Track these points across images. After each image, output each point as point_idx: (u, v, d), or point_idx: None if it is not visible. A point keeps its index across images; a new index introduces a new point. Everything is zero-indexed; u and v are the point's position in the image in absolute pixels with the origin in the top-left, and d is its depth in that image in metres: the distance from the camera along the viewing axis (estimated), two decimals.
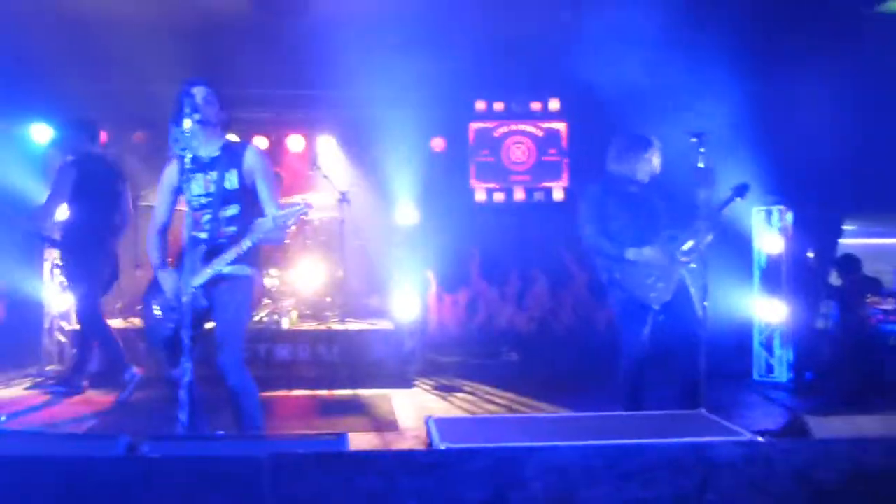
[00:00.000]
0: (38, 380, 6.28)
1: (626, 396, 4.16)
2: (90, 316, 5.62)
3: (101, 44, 6.67)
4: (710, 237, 4.14)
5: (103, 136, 7.42)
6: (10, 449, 2.51)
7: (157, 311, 3.54)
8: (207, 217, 3.51)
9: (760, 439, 2.73)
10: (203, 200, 3.51)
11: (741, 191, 4.21)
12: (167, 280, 3.53)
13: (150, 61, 6.10)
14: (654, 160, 4.33)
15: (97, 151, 5.85)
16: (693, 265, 4.13)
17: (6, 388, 5.99)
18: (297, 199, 3.47)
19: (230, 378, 3.47)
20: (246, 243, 3.38)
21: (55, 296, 6.86)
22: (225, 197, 3.51)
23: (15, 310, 7.68)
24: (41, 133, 6.82)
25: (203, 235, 3.49)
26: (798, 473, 2.39)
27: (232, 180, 3.52)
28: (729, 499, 2.32)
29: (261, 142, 7.77)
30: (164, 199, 3.67)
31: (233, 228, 3.52)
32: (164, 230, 3.71)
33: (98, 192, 5.59)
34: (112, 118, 7.45)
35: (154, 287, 3.62)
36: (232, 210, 3.54)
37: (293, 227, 7.09)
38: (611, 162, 4.39)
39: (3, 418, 2.86)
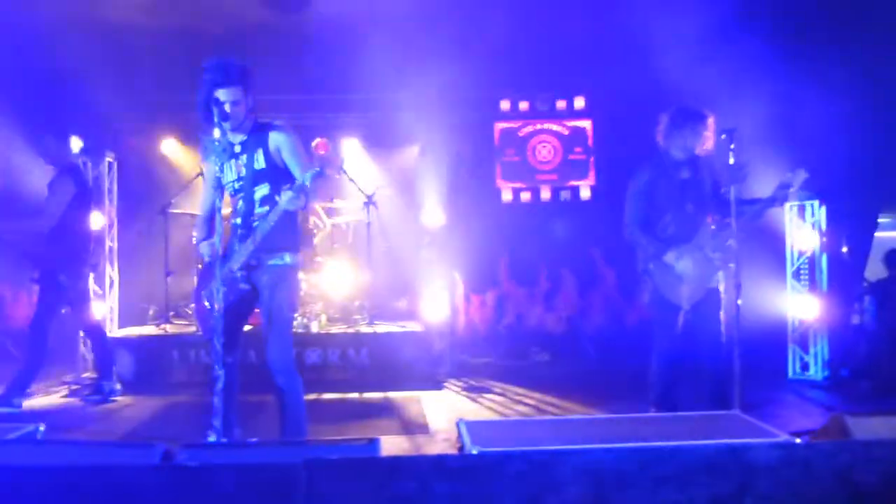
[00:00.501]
0: (75, 387, 6.39)
1: (659, 396, 4.11)
2: (42, 325, 5.56)
3: (129, 52, 6.76)
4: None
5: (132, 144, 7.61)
6: (46, 458, 2.54)
7: (206, 303, 3.58)
8: (240, 202, 3.53)
9: (798, 440, 2.68)
10: (237, 185, 3.55)
11: (784, 193, 4.04)
12: (205, 249, 3.60)
13: (175, 69, 6.17)
14: (707, 139, 4.14)
15: (76, 160, 5.90)
16: (731, 265, 4.02)
17: (44, 395, 6.10)
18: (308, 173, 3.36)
19: (278, 378, 3.49)
20: (276, 211, 3.34)
21: (91, 304, 6.97)
22: (255, 178, 3.51)
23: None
24: (73, 145, 6.92)
25: (238, 220, 3.51)
26: (839, 476, 2.33)
27: (259, 160, 3.52)
28: (768, 503, 2.28)
29: None
30: (207, 187, 3.73)
31: (265, 208, 3.49)
32: (210, 217, 3.71)
33: (86, 200, 5.62)
34: (139, 127, 7.58)
35: (203, 280, 3.66)
36: (263, 190, 3.53)
37: (322, 222, 7.17)
38: (662, 138, 4.20)
39: (42, 427, 2.91)
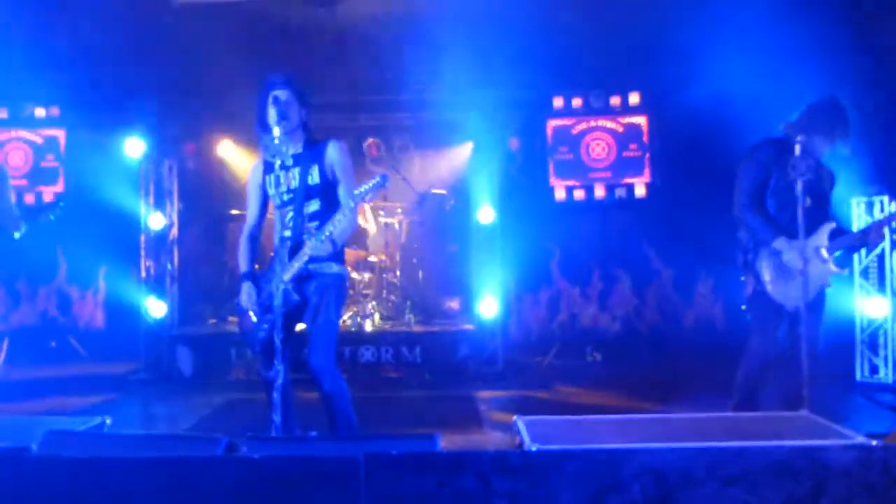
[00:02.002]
0: (138, 383, 6.57)
1: (742, 401, 3.81)
2: None
3: (191, 56, 6.92)
4: (877, 249, 3.78)
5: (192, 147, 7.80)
6: (111, 451, 2.60)
7: (252, 315, 3.62)
8: (291, 215, 3.55)
9: (874, 442, 2.56)
10: (286, 197, 3.56)
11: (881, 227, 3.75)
12: (249, 292, 3.59)
13: (236, 71, 6.28)
14: (834, 150, 3.77)
15: None
16: (845, 271, 3.68)
17: (109, 391, 6.28)
18: (376, 178, 3.40)
19: (324, 383, 3.50)
20: (328, 229, 3.36)
21: (153, 301, 7.17)
22: (307, 192, 3.54)
23: (115, 314, 8.10)
24: (135, 147, 7.14)
25: (287, 233, 3.53)
26: None
27: (314, 175, 3.56)
28: None
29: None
30: (252, 199, 3.75)
31: (315, 224, 3.53)
32: (254, 234, 3.77)
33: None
34: (200, 130, 7.75)
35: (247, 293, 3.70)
36: (314, 206, 3.56)
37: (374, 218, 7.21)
38: (796, 124, 3.79)
39: (109, 420, 2.99)
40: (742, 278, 3.91)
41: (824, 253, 3.74)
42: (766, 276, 3.73)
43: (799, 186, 3.53)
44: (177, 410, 5.52)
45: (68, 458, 2.42)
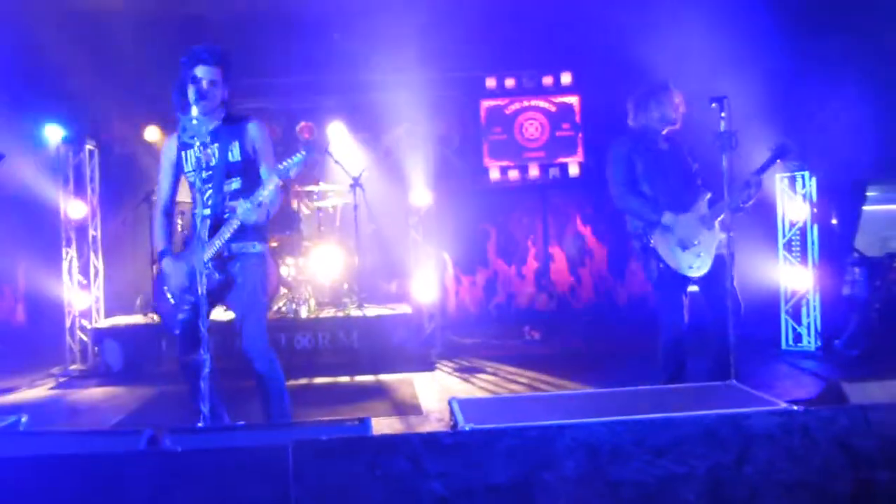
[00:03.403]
0: (62, 379, 6.31)
1: (671, 376, 3.93)
2: None
3: (110, 39, 6.62)
4: (751, 202, 3.94)
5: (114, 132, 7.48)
6: (33, 448, 2.48)
7: (169, 297, 3.49)
8: (210, 191, 3.43)
9: (796, 408, 2.64)
10: (204, 175, 3.40)
11: (782, 151, 3.95)
12: (171, 270, 3.47)
13: (157, 54, 6.04)
14: (678, 105, 4.04)
15: None
16: (733, 233, 3.84)
17: (30, 388, 6.02)
18: (298, 154, 3.34)
19: (258, 364, 3.43)
20: (259, 195, 3.28)
21: (76, 295, 6.89)
22: (228, 170, 3.44)
23: (36, 310, 7.75)
24: (53, 133, 6.81)
25: (207, 212, 3.40)
26: (838, 441, 2.30)
27: (234, 152, 3.45)
28: (767, 470, 2.24)
29: (272, 131, 7.71)
30: (165, 176, 3.60)
31: (236, 202, 3.43)
32: (168, 211, 3.64)
33: None
34: (122, 114, 7.44)
35: (162, 275, 3.57)
36: (234, 184, 3.47)
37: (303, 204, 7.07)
38: (633, 116, 4.11)
39: (24, 418, 2.84)
40: (643, 263, 4.04)
41: (710, 220, 3.93)
42: (664, 252, 3.88)
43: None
44: (104, 406, 5.32)
45: None
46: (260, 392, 3.51)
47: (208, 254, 3.34)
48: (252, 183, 3.44)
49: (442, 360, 6.52)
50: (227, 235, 3.37)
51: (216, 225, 3.39)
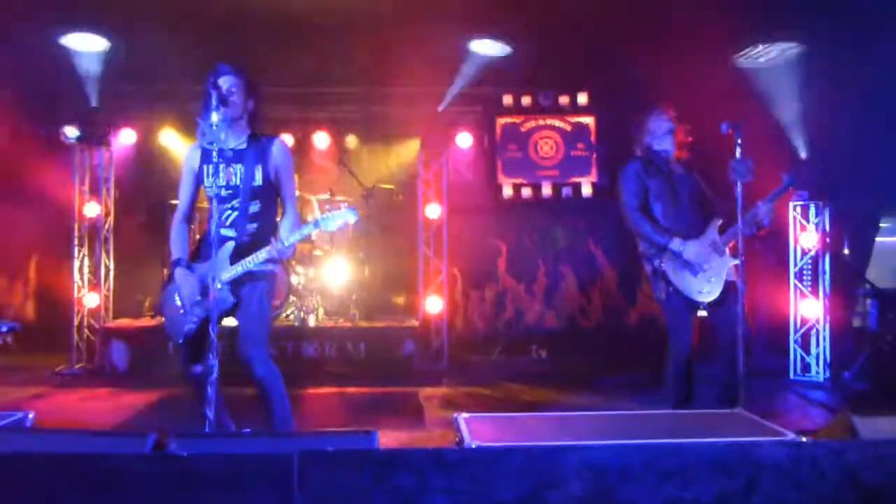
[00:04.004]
0: (69, 377, 6.33)
1: (677, 400, 3.92)
2: None
3: (128, 42, 6.69)
4: (766, 230, 3.93)
5: (131, 134, 7.55)
6: (38, 446, 2.48)
7: (178, 305, 3.50)
8: (232, 213, 3.46)
9: (804, 439, 2.62)
10: (224, 193, 3.44)
11: (795, 178, 3.97)
12: (183, 281, 3.47)
13: (175, 57, 6.09)
14: (671, 120, 4.07)
15: None
16: (742, 258, 3.80)
17: (36, 385, 6.04)
18: (347, 213, 3.42)
19: (258, 370, 3.43)
20: (294, 237, 3.38)
21: (85, 294, 6.93)
22: (251, 192, 3.47)
23: (46, 307, 7.79)
24: (70, 133, 6.87)
25: (230, 233, 3.44)
26: (846, 475, 2.28)
27: (258, 176, 3.48)
28: (775, 501, 2.22)
29: (286, 139, 7.74)
30: (186, 185, 3.62)
31: (255, 225, 3.49)
32: (187, 219, 3.66)
33: None
34: (139, 116, 7.50)
35: (173, 286, 3.58)
36: (255, 206, 3.50)
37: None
38: (641, 141, 4.13)
39: (31, 415, 2.85)
40: (653, 285, 4.04)
41: (721, 246, 3.93)
42: (673, 276, 3.90)
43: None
44: (109, 406, 5.33)
45: None
46: (261, 397, 3.51)
47: (226, 276, 3.38)
48: (271, 205, 3.52)
49: (448, 375, 6.51)
50: (251, 265, 3.40)
51: (239, 248, 3.42)
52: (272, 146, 3.52)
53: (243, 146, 3.51)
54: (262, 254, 3.36)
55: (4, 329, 3.15)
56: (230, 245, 3.41)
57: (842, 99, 6.41)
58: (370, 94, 7.63)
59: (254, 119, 3.58)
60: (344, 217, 3.37)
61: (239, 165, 3.46)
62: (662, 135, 4.06)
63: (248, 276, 3.46)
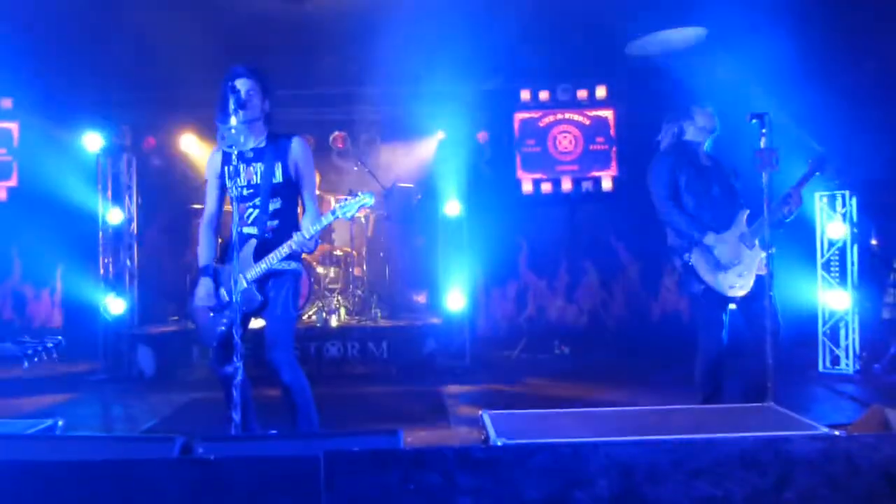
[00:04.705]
0: (96, 384, 6.40)
1: (705, 395, 3.87)
2: None
3: (148, 49, 6.74)
4: (792, 216, 3.87)
5: (152, 141, 7.62)
6: (68, 453, 2.50)
7: (207, 310, 3.52)
8: (253, 212, 3.48)
9: (837, 433, 2.57)
10: (246, 192, 3.48)
11: (820, 164, 3.89)
12: (210, 289, 3.50)
13: (191, 64, 6.13)
14: (713, 121, 4.02)
15: None
16: (773, 250, 3.76)
17: (65, 392, 6.11)
18: (363, 196, 3.42)
19: (284, 374, 3.45)
20: (314, 227, 3.36)
21: (111, 300, 7.00)
22: (272, 190, 3.48)
23: (73, 315, 7.88)
24: (93, 141, 6.95)
25: (252, 231, 3.46)
26: (882, 470, 2.23)
27: (277, 173, 3.50)
28: (808, 497, 2.18)
29: (305, 140, 7.76)
30: (211, 190, 3.66)
31: (276, 222, 3.50)
32: (214, 224, 3.68)
33: None
34: (160, 123, 7.57)
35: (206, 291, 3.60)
36: (276, 204, 3.51)
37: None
38: (668, 135, 4.09)
39: (61, 423, 2.88)
40: (683, 281, 3.99)
41: (750, 239, 3.87)
42: (704, 271, 3.84)
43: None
44: (136, 411, 5.38)
45: (13, 462, 2.32)
46: (287, 403, 3.52)
47: (253, 274, 3.39)
48: (292, 202, 3.52)
49: (471, 372, 6.49)
50: (275, 261, 3.41)
51: (260, 245, 3.44)
52: (291, 143, 3.54)
53: (262, 145, 3.53)
54: (284, 248, 3.37)
55: (50, 344, 3.17)
56: (253, 243, 3.44)
57: (869, 86, 6.31)
58: (388, 94, 7.63)
59: (270, 118, 3.59)
60: (361, 201, 3.36)
61: (259, 164, 3.48)
62: (706, 130, 4.01)
63: (273, 274, 3.47)
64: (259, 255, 3.43)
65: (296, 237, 3.35)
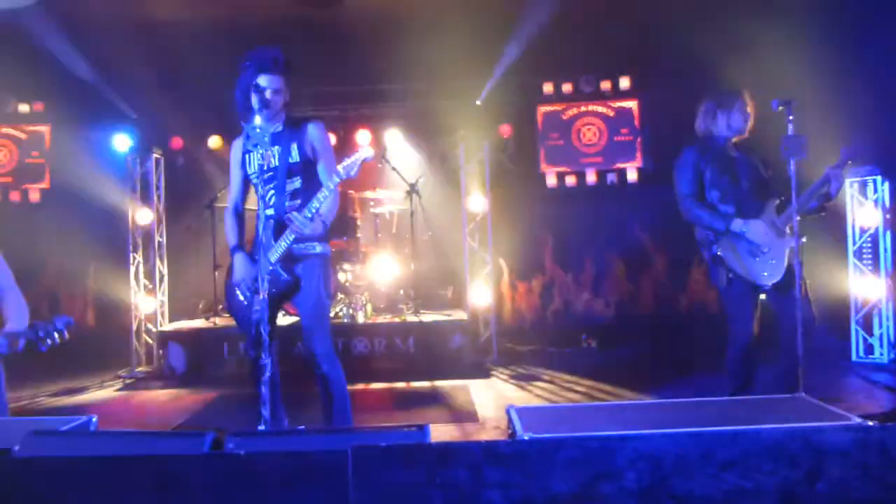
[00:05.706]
0: (129, 381, 6.51)
1: (735, 386, 3.83)
2: None
3: (176, 51, 6.82)
4: (830, 202, 3.77)
5: (179, 141, 7.71)
6: (102, 449, 2.55)
7: (240, 296, 3.56)
8: (272, 192, 3.50)
9: (871, 423, 2.52)
10: (266, 176, 3.51)
11: (853, 151, 3.78)
12: (240, 264, 3.55)
13: (221, 65, 6.18)
14: (749, 115, 3.94)
15: None
16: (804, 239, 3.72)
17: (99, 389, 6.23)
18: (362, 150, 3.36)
19: (323, 365, 3.49)
20: (314, 205, 3.33)
21: (142, 299, 7.12)
22: (288, 170, 3.49)
23: (105, 314, 8.03)
24: (122, 142, 7.05)
25: (270, 211, 3.48)
26: None
27: (294, 153, 3.51)
28: (841, 488, 2.14)
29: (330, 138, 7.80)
30: (234, 178, 3.70)
31: (297, 202, 3.50)
32: (238, 209, 3.72)
33: None
34: (187, 124, 7.65)
35: (234, 275, 3.64)
36: (295, 183, 3.52)
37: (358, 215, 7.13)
38: (702, 123, 4.01)
39: (95, 419, 2.93)
40: (712, 273, 3.93)
41: (781, 227, 3.81)
42: (733, 261, 3.80)
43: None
44: (167, 407, 5.47)
45: (50, 458, 2.37)
46: (323, 394, 3.55)
47: (275, 255, 3.41)
48: (313, 182, 3.49)
49: (498, 367, 6.49)
50: (291, 239, 3.42)
51: (280, 225, 3.44)
52: (308, 124, 3.54)
53: (279, 129, 3.54)
54: (300, 219, 3.33)
55: (60, 325, 3.21)
56: (271, 223, 3.43)
57: None
58: (410, 90, 7.64)
59: (288, 104, 3.58)
60: (360, 156, 3.28)
61: (276, 147, 3.48)
62: (729, 126, 3.94)
63: (300, 257, 3.49)
64: (278, 234, 3.43)
65: (295, 219, 3.31)
